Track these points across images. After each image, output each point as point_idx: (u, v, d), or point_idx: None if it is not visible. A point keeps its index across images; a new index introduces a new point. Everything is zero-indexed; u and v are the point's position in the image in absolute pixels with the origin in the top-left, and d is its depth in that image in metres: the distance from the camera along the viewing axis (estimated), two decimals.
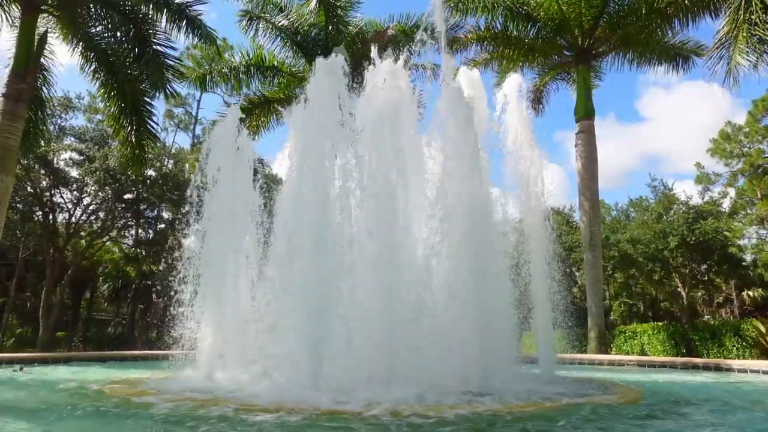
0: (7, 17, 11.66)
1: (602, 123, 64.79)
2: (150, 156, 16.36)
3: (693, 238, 17.43)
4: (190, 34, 12.42)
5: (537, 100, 18.74)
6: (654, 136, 66.76)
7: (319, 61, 7.19)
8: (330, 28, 16.21)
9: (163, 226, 23.05)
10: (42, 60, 11.83)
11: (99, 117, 22.04)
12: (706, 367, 9.77)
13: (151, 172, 18.98)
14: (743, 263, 21.75)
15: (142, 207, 21.03)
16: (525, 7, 15.60)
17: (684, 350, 14.72)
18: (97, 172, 17.94)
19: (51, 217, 19.22)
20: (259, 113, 18.08)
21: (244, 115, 14.31)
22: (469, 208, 6.42)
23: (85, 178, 18.61)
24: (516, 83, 9.24)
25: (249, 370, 6.48)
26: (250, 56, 17.23)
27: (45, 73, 12.35)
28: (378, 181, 6.33)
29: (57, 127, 20.80)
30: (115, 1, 11.94)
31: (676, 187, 25.88)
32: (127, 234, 23.89)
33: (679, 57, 16.57)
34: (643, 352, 15.48)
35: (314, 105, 6.77)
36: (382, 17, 17.43)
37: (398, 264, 6.07)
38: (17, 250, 19.94)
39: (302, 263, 6.23)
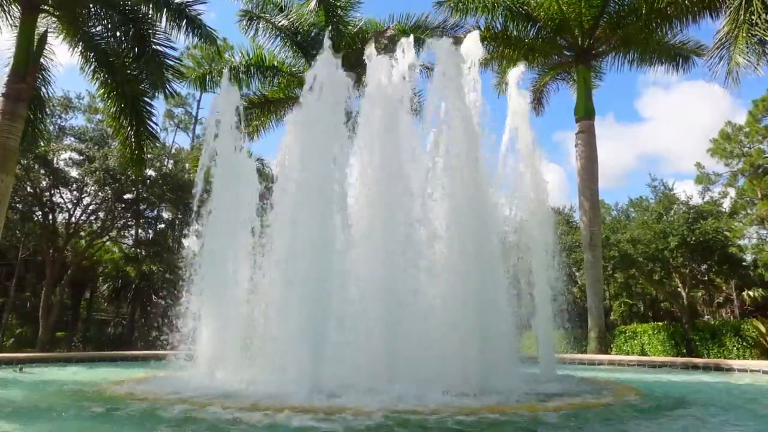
0: (7, 17, 11.68)
1: (602, 123, 64.80)
2: (150, 156, 16.39)
3: (693, 238, 17.41)
4: (190, 34, 12.42)
5: (537, 100, 18.75)
6: (654, 136, 66.76)
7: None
8: (330, 28, 16.21)
9: (162, 226, 23.04)
10: (42, 60, 11.84)
11: (99, 117, 21.99)
12: (707, 368, 9.77)
13: (151, 172, 18.97)
14: (743, 263, 21.70)
15: (141, 207, 21.01)
16: (525, 7, 15.62)
17: (684, 350, 14.69)
18: (97, 172, 17.93)
19: (51, 217, 19.20)
20: (259, 113, 18.10)
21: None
22: (470, 209, 6.42)
23: (85, 178, 18.59)
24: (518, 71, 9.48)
25: (249, 370, 6.48)
26: (250, 56, 17.24)
27: (45, 72, 12.37)
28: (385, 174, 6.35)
29: (57, 127, 20.78)
30: (115, 0, 11.95)
31: (676, 187, 25.77)
32: (126, 234, 23.87)
33: (679, 57, 16.57)
34: (643, 352, 15.46)
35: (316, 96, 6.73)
36: (382, 17, 17.49)
37: (397, 262, 6.06)
38: (17, 250, 19.92)
39: (302, 263, 6.21)
